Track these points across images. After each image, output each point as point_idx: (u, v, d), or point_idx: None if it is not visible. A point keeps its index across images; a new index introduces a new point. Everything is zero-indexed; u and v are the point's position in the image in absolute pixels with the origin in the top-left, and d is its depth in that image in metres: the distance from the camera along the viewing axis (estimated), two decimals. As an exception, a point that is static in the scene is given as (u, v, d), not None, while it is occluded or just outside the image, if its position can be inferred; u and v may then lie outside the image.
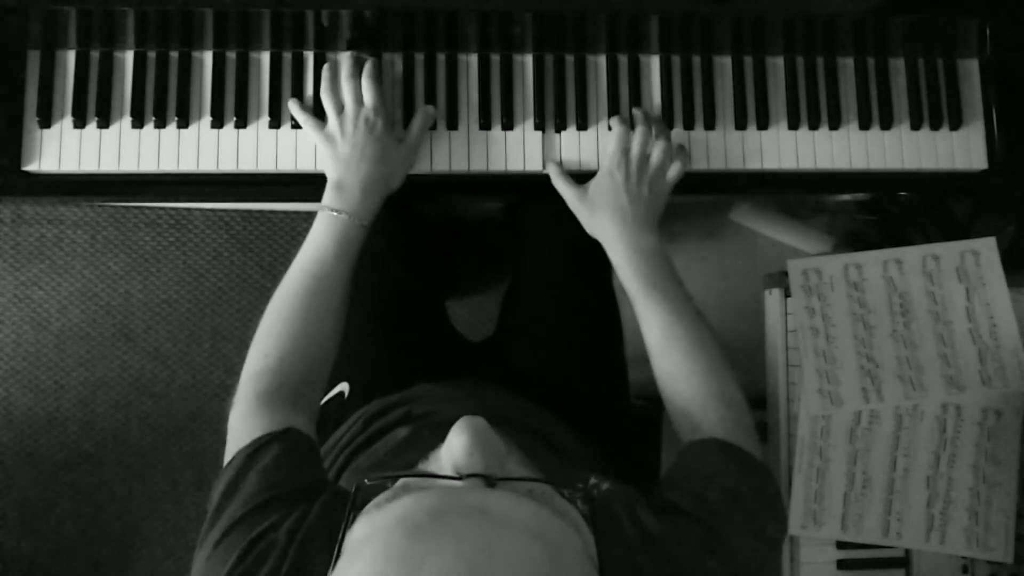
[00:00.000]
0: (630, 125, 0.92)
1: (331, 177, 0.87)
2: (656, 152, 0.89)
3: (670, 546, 0.63)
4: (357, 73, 0.88)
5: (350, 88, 0.88)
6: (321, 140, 0.88)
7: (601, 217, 0.88)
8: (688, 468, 0.74)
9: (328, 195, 0.86)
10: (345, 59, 0.89)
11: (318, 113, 0.90)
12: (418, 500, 0.49)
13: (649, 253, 0.85)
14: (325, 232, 0.84)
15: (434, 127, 0.93)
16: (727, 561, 0.64)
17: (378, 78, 0.89)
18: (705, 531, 0.65)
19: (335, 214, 0.84)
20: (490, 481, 0.51)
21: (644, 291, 0.84)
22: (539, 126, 0.93)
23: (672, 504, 0.68)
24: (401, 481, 0.53)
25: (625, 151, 0.89)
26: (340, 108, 0.88)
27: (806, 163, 0.96)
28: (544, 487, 0.53)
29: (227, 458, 0.72)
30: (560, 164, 0.92)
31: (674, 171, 0.90)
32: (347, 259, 0.84)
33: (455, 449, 0.52)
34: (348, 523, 0.50)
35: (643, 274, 0.84)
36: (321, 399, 0.86)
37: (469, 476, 0.51)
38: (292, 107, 0.91)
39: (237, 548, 0.62)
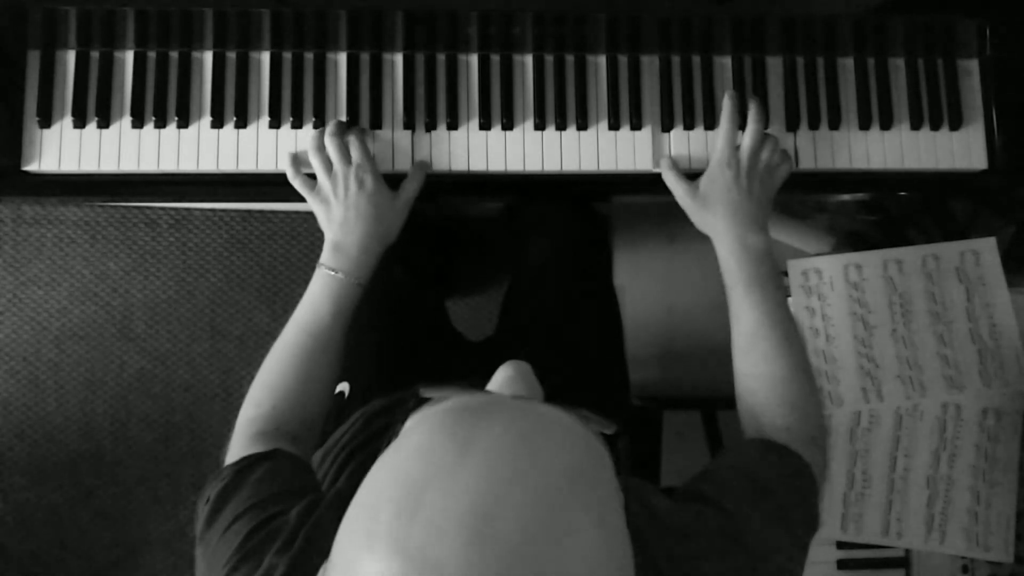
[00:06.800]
0: (737, 110, 0.91)
1: (328, 237, 0.87)
2: (767, 151, 0.89)
3: (685, 529, 0.64)
4: (340, 132, 0.88)
5: (334, 145, 0.87)
6: (314, 203, 0.88)
7: (712, 211, 0.87)
8: (724, 461, 0.75)
9: (326, 254, 0.87)
10: (329, 123, 0.89)
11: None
12: (469, 396, 0.52)
13: (755, 251, 0.85)
14: (322, 291, 0.86)
15: (434, 127, 0.93)
16: (747, 551, 0.64)
17: (363, 136, 0.90)
18: (726, 519, 0.66)
19: (333, 274, 0.85)
20: None
21: (743, 287, 0.84)
22: (539, 126, 0.93)
23: (698, 492, 0.69)
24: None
25: (735, 147, 0.89)
26: (329, 167, 0.88)
27: (806, 163, 0.96)
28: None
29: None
30: (671, 159, 0.92)
31: (783, 171, 0.90)
32: (343, 317, 0.86)
33: (501, 379, 0.57)
34: (396, 433, 0.52)
35: (746, 271, 0.85)
36: (315, 441, 0.88)
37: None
38: (288, 170, 0.90)
39: (245, 529, 0.63)
